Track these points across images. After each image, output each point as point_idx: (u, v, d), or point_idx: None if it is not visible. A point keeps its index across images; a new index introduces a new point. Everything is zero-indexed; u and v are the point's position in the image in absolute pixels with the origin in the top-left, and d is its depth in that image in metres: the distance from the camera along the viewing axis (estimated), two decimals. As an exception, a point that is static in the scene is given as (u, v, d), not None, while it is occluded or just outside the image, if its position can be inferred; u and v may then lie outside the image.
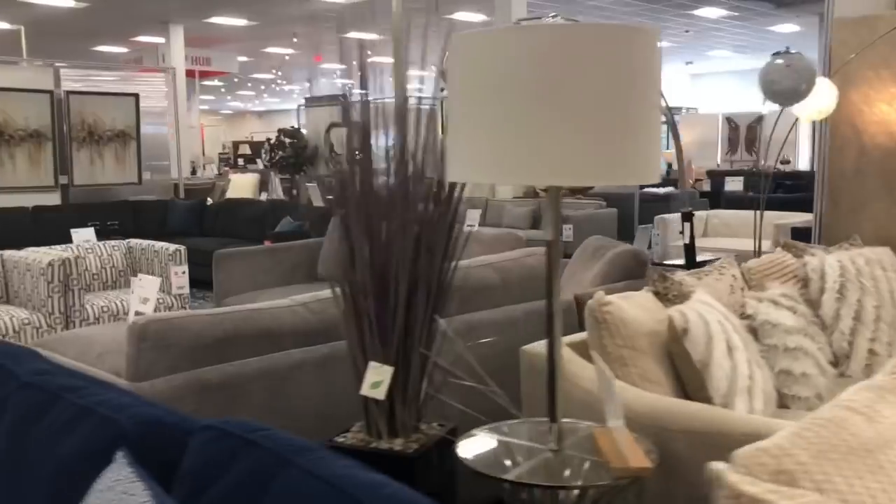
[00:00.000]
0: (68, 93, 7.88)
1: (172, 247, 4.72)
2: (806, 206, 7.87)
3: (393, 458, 1.91)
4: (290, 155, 13.10)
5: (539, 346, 2.31)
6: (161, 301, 4.54)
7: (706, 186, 10.76)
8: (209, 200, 8.17)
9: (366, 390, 1.94)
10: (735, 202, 8.23)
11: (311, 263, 5.12)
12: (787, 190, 10.36)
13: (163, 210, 8.02)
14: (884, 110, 3.54)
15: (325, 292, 2.49)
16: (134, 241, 5.01)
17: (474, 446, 1.88)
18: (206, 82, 19.42)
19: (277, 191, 12.23)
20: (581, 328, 3.15)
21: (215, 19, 13.49)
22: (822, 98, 2.87)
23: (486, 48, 1.66)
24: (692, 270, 2.78)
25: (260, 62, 17.99)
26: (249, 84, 21.91)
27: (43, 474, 1.43)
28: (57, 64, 8.10)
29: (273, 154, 13.17)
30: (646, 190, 9.18)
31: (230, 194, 10.55)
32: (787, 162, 12.87)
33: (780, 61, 2.72)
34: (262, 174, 14.00)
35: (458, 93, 1.71)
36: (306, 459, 1.15)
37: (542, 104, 1.60)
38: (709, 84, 21.19)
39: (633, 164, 1.63)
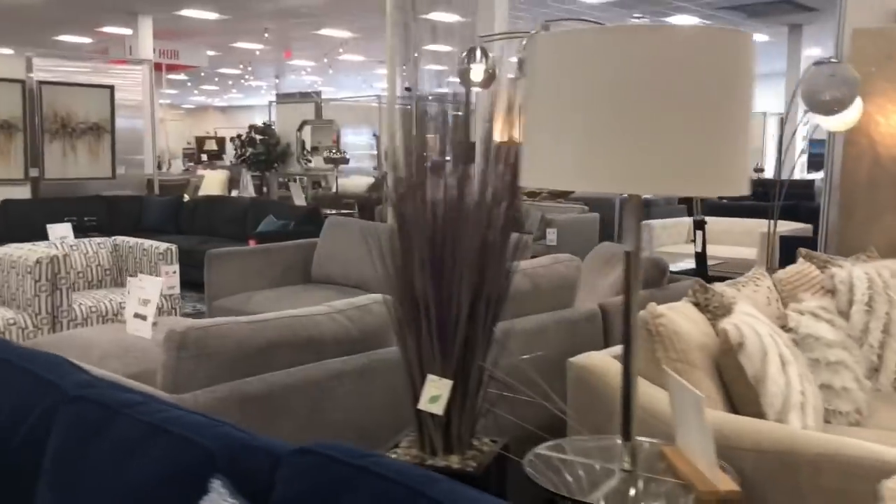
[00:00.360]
0: (41, 83, 7.61)
1: (163, 245, 4.56)
2: (784, 215, 7.93)
3: (454, 476, 1.82)
4: (262, 152, 12.88)
5: (588, 358, 2.24)
6: (152, 302, 4.37)
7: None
8: (186, 197, 7.97)
9: (424, 405, 1.84)
10: (715, 209, 8.27)
11: (304, 265, 4.99)
12: (759, 198, 10.45)
13: (137, 206, 7.79)
14: (899, 122, 3.54)
15: (360, 299, 2.39)
16: (120, 239, 4.83)
17: (539, 464, 1.80)
18: (171, 76, 19.04)
19: (248, 188, 12.01)
20: (607, 337, 3.09)
21: (186, 12, 13.21)
22: (850, 109, 2.86)
23: (573, 50, 1.58)
24: (728, 282, 2.74)
25: (228, 57, 17.68)
26: (217, 79, 21.55)
27: (110, 497, 1.31)
28: (28, 53, 7.82)
29: (243, 150, 12.92)
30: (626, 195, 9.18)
31: (202, 191, 10.31)
32: (762, 170, 13.01)
33: (824, 70, 2.68)
34: (232, 171, 13.76)
35: (540, 96, 1.63)
36: (435, 490, 1.05)
37: (631, 109, 1.52)
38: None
39: (722, 175, 1.57)
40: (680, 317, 2.28)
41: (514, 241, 1.94)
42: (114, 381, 1.79)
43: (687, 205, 9.56)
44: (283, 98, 13.66)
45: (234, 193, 11.51)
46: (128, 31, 13.99)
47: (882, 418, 2.52)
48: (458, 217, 1.83)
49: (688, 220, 7.97)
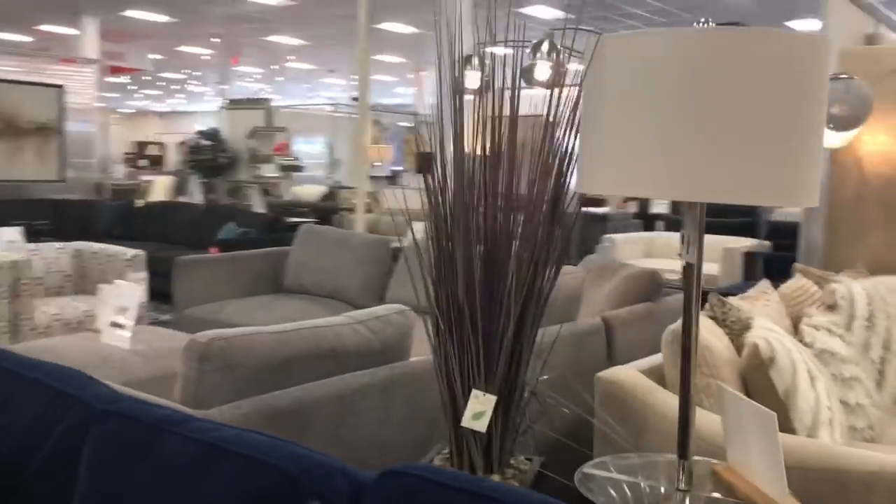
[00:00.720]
0: (-14, 80, 7.28)
1: (130, 251, 4.36)
2: (740, 231, 8.05)
3: (498, 496, 1.73)
4: (209, 158, 12.60)
5: (617, 373, 2.18)
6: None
7: (633, 208, 10.92)
8: (140, 202, 7.70)
9: (467, 422, 1.75)
10: (669, 224, 8.37)
11: (274, 273, 4.84)
12: (710, 214, 10.59)
13: (88, 211, 7.48)
14: (885, 140, 3.60)
15: (379, 309, 2.28)
16: (82, 244, 4.61)
17: (587, 484, 1.72)
18: (110, 79, 18.49)
19: (196, 194, 11.71)
20: (610, 350, 3.04)
21: (133, 13, 12.85)
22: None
23: (641, 52, 1.52)
24: (740, 296, 2.71)
25: (173, 61, 17.28)
26: (164, 83, 21.01)
27: (171, 526, 1.19)
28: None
29: (191, 156, 12.62)
30: (583, 210, 9.22)
31: (153, 196, 10.01)
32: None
33: (839, 86, 2.70)
34: (177, 176, 13.42)
35: (606, 100, 1.57)
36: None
37: (705, 114, 1.47)
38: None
39: (794, 185, 1.53)
40: (705, 331, 2.24)
41: (558, 248, 1.87)
42: (134, 395, 1.66)
43: (642, 219, 9.66)
44: (233, 104, 13.37)
45: (182, 199, 11.19)
46: (70, 31, 13.53)
47: (894, 434, 2.52)
48: (509, 224, 1.76)
49: (647, 235, 8.04)
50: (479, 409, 1.76)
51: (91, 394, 1.52)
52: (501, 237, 1.77)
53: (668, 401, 2.08)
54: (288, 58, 15.73)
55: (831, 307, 2.96)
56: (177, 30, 14.08)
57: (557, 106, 1.77)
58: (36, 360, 1.73)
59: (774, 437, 1.54)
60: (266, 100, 13.52)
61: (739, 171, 1.49)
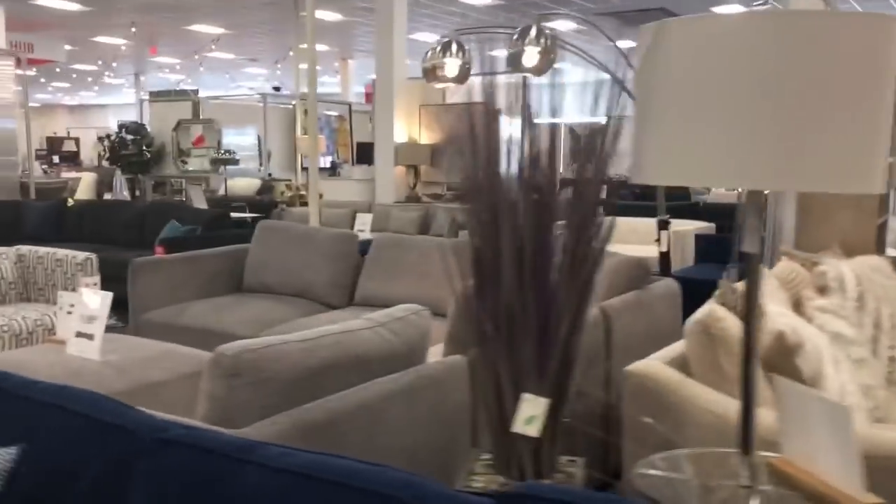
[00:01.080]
0: None
1: (81, 255, 4.11)
2: (686, 214, 8.13)
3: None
4: (134, 153, 12.11)
5: (647, 367, 2.13)
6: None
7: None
8: (70, 201, 7.30)
9: (519, 427, 1.67)
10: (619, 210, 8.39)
11: (232, 272, 4.64)
12: (637, 197, 10.66)
13: (14, 212, 7.05)
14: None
15: (397, 310, 2.17)
16: (25, 248, 4.31)
17: (646, 484, 1.67)
18: (19, 71, 17.58)
19: (122, 191, 11.25)
20: (608, 340, 3.00)
21: (43, 1, 12.23)
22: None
23: (710, 37, 1.46)
24: (743, 282, 2.70)
25: (88, 52, 16.55)
26: (76, 74, 20.10)
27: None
28: None
29: (114, 152, 12.10)
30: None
31: (79, 195, 9.55)
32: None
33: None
34: (99, 173, 12.87)
35: (666, 86, 1.50)
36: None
37: (773, 100, 1.42)
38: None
39: (866, 170, 1.49)
40: (727, 321, 2.21)
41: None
42: (182, 421, 1.52)
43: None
44: (157, 96, 12.89)
45: (108, 197, 10.74)
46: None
47: (900, 413, 2.55)
48: (551, 215, 1.68)
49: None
50: (531, 413, 1.68)
51: (132, 421, 1.38)
52: (545, 228, 1.69)
53: (704, 393, 2.04)
54: (212, 46, 15.25)
55: (822, 289, 2.98)
56: (92, 19, 13.48)
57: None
58: (51, 383, 1.56)
59: (847, 431, 1.51)
60: (193, 91, 13.06)
61: (815, 158, 1.44)
